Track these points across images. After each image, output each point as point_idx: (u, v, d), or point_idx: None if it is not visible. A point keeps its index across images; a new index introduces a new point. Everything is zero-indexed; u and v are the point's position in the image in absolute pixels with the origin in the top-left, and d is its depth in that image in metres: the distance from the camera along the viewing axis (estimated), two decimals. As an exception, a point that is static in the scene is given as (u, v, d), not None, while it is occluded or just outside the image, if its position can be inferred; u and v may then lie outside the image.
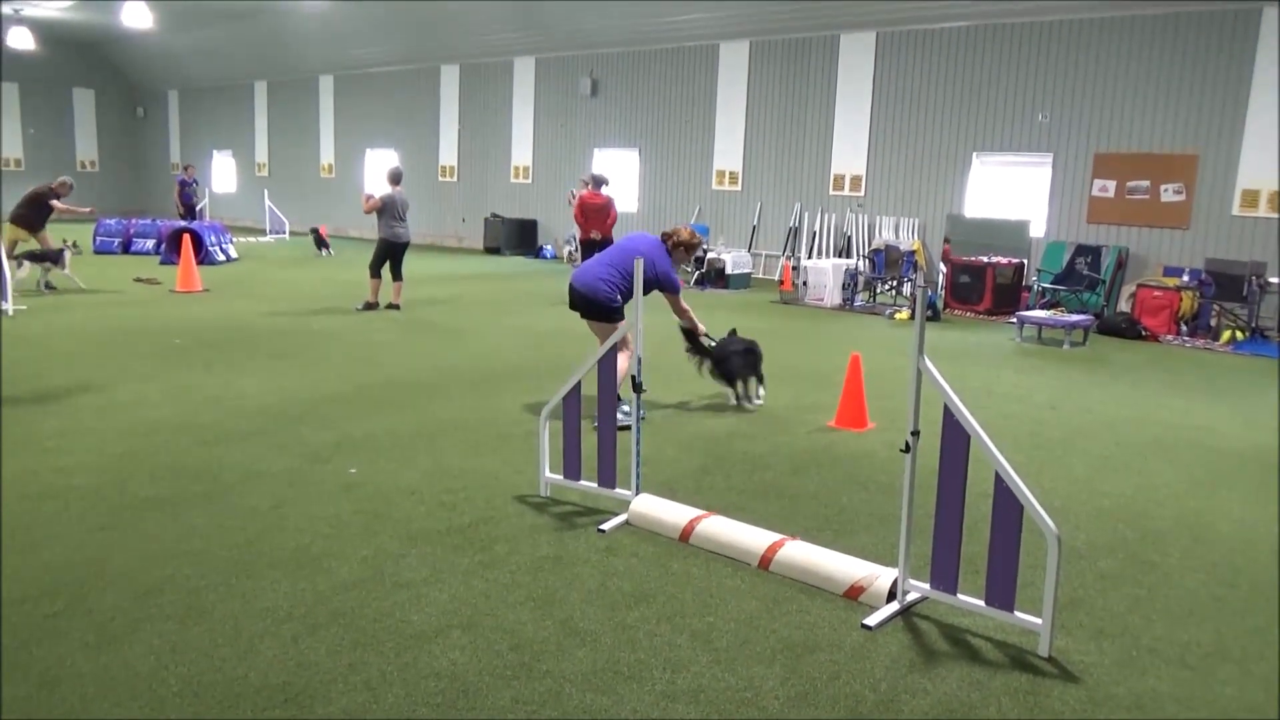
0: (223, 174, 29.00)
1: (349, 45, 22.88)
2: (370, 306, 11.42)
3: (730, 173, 17.37)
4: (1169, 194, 12.67)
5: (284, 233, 23.28)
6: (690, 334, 6.77)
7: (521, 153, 20.81)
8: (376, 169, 24.16)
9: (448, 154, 22.43)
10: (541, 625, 3.48)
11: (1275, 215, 11.88)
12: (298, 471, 5.15)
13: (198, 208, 21.58)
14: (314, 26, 22.59)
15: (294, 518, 4.47)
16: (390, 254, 11.38)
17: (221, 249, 16.58)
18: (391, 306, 11.45)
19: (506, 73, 20.78)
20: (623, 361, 6.26)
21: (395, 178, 11.43)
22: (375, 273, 11.42)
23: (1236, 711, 3.06)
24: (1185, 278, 12.03)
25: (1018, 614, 3.41)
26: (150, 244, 17.60)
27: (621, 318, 6.24)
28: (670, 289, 6.29)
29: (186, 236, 14.35)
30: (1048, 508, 3.30)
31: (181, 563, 3.92)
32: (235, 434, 5.84)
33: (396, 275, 11.52)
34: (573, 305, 6.36)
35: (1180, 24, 12.35)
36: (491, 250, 20.70)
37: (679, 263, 6.45)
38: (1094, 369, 9.17)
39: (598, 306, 6.21)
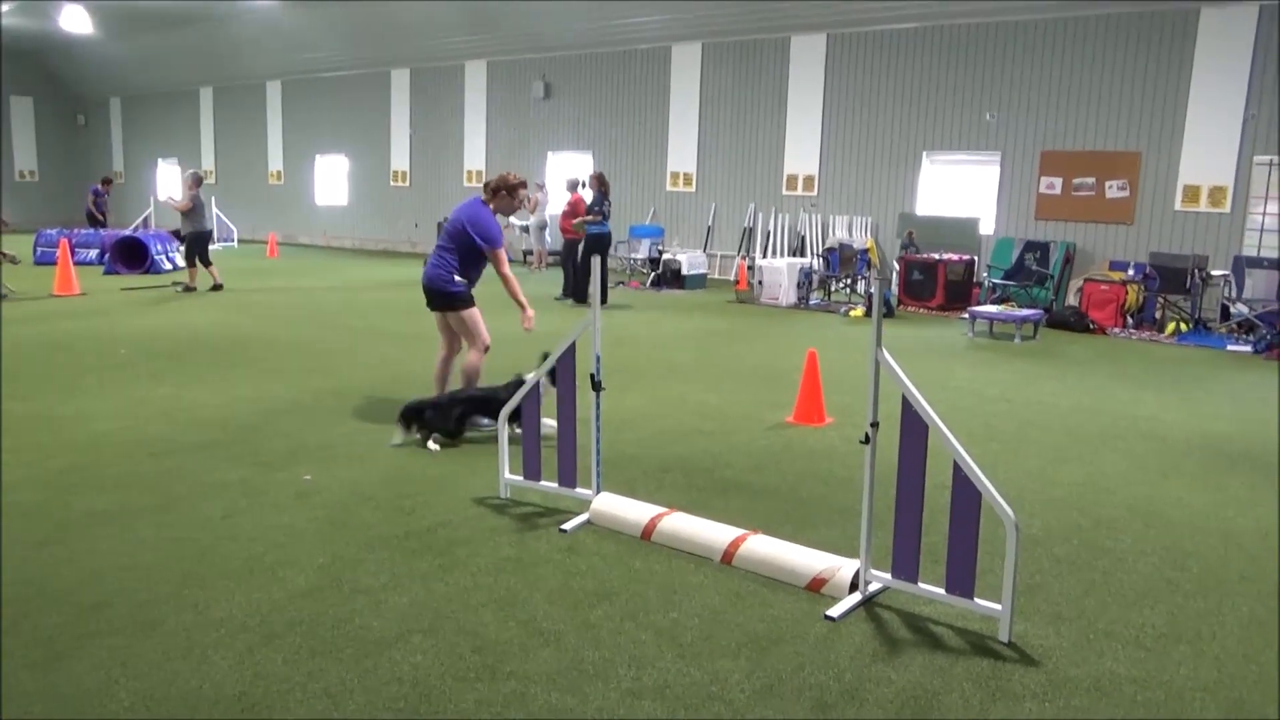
0: (168, 182, 28.41)
1: (297, 50, 22.55)
2: None
3: (684, 174, 17.42)
4: (1114, 190, 12.95)
5: (232, 241, 22.89)
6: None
7: (474, 157, 20.68)
8: (326, 175, 23.97)
9: (399, 159, 22.22)
10: (504, 626, 3.44)
11: (1215, 210, 12.20)
12: (251, 481, 5.05)
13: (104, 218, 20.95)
14: (261, 31, 22.23)
15: (247, 527, 4.38)
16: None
17: (168, 258, 16.23)
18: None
19: (458, 76, 20.64)
20: (474, 358, 6.10)
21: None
22: None
23: (1191, 690, 3.12)
24: (1130, 272, 12.31)
25: (978, 601, 3.45)
26: (94, 254, 17.18)
27: (465, 305, 6.00)
28: (490, 243, 5.89)
29: (64, 241, 14.05)
30: (1003, 497, 3.34)
31: (130, 576, 3.81)
32: (186, 445, 5.71)
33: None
34: (428, 303, 6.16)
35: (1122, 25, 12.65)
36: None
37: (504, 211, 6.07)
38: (1044, 362, 9.33)
39: (438, 293, 6.00)
